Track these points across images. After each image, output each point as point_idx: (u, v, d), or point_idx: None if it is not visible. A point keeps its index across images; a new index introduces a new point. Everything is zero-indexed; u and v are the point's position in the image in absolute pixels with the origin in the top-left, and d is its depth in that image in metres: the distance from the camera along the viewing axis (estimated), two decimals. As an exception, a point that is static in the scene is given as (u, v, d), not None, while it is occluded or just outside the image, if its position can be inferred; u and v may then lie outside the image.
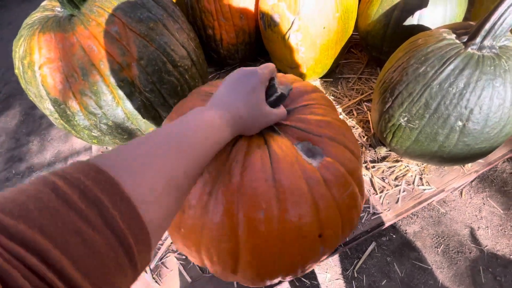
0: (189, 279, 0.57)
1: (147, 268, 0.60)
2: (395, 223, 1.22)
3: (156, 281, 0.58)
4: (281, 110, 0.39)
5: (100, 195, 0.17)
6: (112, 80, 0.59)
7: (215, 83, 0.49)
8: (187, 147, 0.26)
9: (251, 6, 0.81)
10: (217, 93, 0.35)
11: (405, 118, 0.51)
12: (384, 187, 0.62)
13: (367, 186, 0.63)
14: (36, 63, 0.57)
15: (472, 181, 1.26)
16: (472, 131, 0.46)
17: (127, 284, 0.19)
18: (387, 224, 0.58)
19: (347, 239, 0.56)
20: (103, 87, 0.59)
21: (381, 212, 0.59)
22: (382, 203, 0.60)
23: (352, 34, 0.91)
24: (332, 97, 0.82)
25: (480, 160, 0.63)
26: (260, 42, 0.89)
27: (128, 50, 0.58)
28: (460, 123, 0.46)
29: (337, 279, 1.13)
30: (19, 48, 0.58)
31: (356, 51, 0.96)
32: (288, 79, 0.48)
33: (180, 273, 0.58)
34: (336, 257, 1.18)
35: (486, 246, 1.09)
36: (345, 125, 0.44)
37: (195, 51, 0.70)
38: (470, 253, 1.09)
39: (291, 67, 0.82)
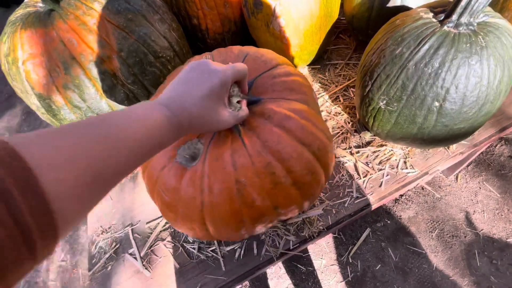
0: (177, 265, 0.59)
1: (138, 256, 0.62)
2: (389, 209, 1.22)
3: (146, 268, 0.60)
4: (240, 114, 0.37)
5: (11, 187, 0.16)
6: (93, 73, 0.59)
7: None
8: (123, 146, 0.24)
9: (235, -6, 0.80)
10: (171, 89, 0.32)
11: (384, 101, 0.51)
12: (368, 172, 0.62)
13: (351, 171, 0.63)
14: (20, 59, 0.58)
15: (468, 166, 1.25)
16: (450, 111, 0.45)
17: (22, 273, 0.18)
18: (370, 208, 0.59)
19: (331, 223, 0.57)
20: (85, 81, 0.59)
21: (364, 196, 0.59)
22: (365, 187, 0.60)
23: (339, 19, 0.89)
24: (319, 84, 0.82)
25: (464, 142, 0.62)
26: (247, 30, 0.88)
27: (107, 43, 0.58)
28: (437, 104, 0.45)
29: (332, 265, 1.15)
30: (3, 46, 0.59)
31: (345, 37, 0.94)
32: (274, 58, 0.49)
33: (169, 260, 0.60)
34: (331, 244, 1.20)
35: (482, 230, 1.09)
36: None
37: (177, 41, 0.70)
38: (465, 237, 1.10)
39: (277, 54, 0.81)
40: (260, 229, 0.43)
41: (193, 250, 0.60)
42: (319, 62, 0.88)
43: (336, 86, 0.79)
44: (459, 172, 1.24)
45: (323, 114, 0.74)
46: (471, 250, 1.08)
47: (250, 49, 0.51)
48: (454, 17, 0.43)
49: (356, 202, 0.59)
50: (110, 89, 0.62)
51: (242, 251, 0.58)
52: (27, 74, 0.58)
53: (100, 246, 0.66)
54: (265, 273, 1.19)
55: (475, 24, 0.43)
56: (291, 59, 0.79)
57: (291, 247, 0.56)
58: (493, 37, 0.42)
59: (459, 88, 0.43)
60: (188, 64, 0.34)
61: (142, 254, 0.62)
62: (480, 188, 1.18)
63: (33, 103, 0.63)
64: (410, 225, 1.18)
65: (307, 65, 0.88)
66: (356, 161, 0.63)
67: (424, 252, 1.10)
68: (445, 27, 0.44)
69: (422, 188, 1.26)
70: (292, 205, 0.40)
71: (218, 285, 0.55)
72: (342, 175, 0.63)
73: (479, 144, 0.62)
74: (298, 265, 1.18)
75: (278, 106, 0.40)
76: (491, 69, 0.41)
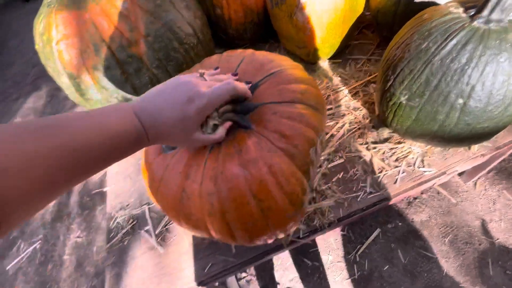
0: (189, 244, 0.61)
1: (152, 234, 0.65)
2: (402, 211, 1.21)
3: (160, 245, 0.63)
4: (211, 137, 0.37)
5: None
6: (121, 56, 0.62)
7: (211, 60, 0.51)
8: (86, 157, 0.24)
9: (259, -15, 0.81)
10: (149, 100, 0.31)
11: (406, 96, 0.50)
12: (384, 168, 0.62)
13: (366, 166, 0.63)
14: (54, 39, 0.61)
15: (488, 172, 1.21)
16: (474, 109, 0.45)
17: None
18: (384, 204, 0.59)
19: (342, 215, 0.57)
20: (113, 62, 0.62)
21: (378, 192, 0.59)
22: (380, 183, 0.60)
23: (364, 14, 0.88)
24: (339, 78, 0.81)
25: (487, 144, 0.61)
26: (269, 22, 0.88)
27: (136, 27, 0.61)
28: (461, 101, 0.44)
29: (339, 261, 1.15)
30: (39, 25, 0.63)
31: (368, 32, 0.93)
32: (277, 61, 0.47)
33: (182, 239, 0.63)
34: (339, 241, 1.20)
35: (498, 239, 1.06)
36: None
37: (201, 29, 0.72)
38: (479, 244, 1.07)
39: (299, 46, 0.82)
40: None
41: (206, 232, 0.62)
42: (341, 56, 0.88)
43: (357, 81, 0.79)
44: (479, 178, 1.20)
45: (342, 108, 0.74)
46: (484, 258, 1.05)
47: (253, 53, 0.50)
48: (485, 12, 0.42)
49: (369, 197, 0.59)
50: (136, 72, 0.64)
51: (253, 236, 0.59)
52: (59, 54, 0.62)
53: (118, 221, 0.70)
54: (272, 264, 1.21)
55: (507, 21, 0.42)
56: (312, 51, 0.79)
57: (301, 235, 0.57)
58: (526, 34, 0.40)
59: (485, 86, 0.42)
60: (175, 79, 0.33)
61: (157, 232, 0.65)
62: (499, 196, 1.14)
63: (64, 82, 0.66)
64: (422, 228, 1.16)
65: (328, 59, 0.87)
66: (372, 157, 0.63)
67: (435, 256, 1.08)
68: (475, 23, 0.43)
69: (438, 193, 1.23)
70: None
71: (227, 266, 0.57)
72: (357, 170, 0.63)
73: (503, 147, 0.60)
74: (305, 259, 1.19)
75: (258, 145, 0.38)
76: (521, 67, 0.40)
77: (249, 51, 0.51)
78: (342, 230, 1.23)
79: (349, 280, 1.10)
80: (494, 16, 0.42)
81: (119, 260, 0.63)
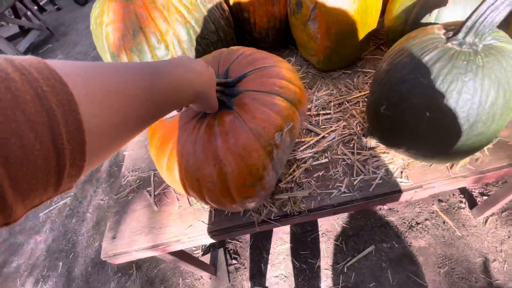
0: (178, 208, 0.71)
1: (152, 194, 0.76)
2: (401, 233, 1.19)
3: (156, 204, 0.74)
4: (216, 103, 0.46)
5: (55, 107, 0.16)
6: (152, 42, 0.75)
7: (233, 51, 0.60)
8: (157, 100, 0.27)
9: (284, -6, 0.89)
10: (198, 72, 0.37)
11: (384, 106, 0.55)
12: (363, 173, 0.65)
13: (347, 169, 0.67)
14: (104, 23, 0.76)
15: (502, 212, 1.13)
16: (439, 122, 0.48)
17: (41, 199, 0.18)
18: (354, 205, 0.63)
19: (313, 207, 0.63)
20: (145, 47, 0.75)
21: (351, 193, 0.63)
22: (355, 186, 0.64)
23: (383, 31, 0.92)
24: (345, 88, 0.86)
25: (469, 166, 0.61)
26: (290, 29, 0.96)
27: (167, 20, 0.73)
28: (428, 114, 0.48)
29: (326, 269, 1.16)
30: (95, 10, 0.78)
31: (385, 49, 0.96)
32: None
33: (174, 203, 0.73)
34: (330, 249, 1.21)
35: (497, 280, 0.99)
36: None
37: (224, 28, 0.82)
38: (476, 282, 1.01)
39: (310, 54, 0.88)
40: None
41: (194, 199, 0.71)
42: (351, 68, 0.92)
43: (360, 92, 0.83)
44: (491, 216, 1.13)
45: (339, 114, 0.78)
46: (479, 298, 0.99)
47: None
48: (460, 35, 0.45)
49: (342, 195, 0.63)
50: (163, 57, 0.77)
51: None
52: (107, 35, 0.77)
53: (128, 180, 0.83)
54: (261, 258, 1.26)
55: (480, 45, 0.45)
56: (322, 59, 0.85)
57: (272, 217, 0.63)
58: (493, 59, 0.43)
59: (449, 102, 0.45)
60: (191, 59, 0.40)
61: (155, 193, 0.76)
62: (509, 237, 1.07)
63: (107, 59, 0.81)
64: (418, 254, 1.12)
65: (339, 69, 0.92)
66: (354, 161, 0.67)
67: (425, 285, 1.05)
68: (449, 44, 0.46)
69: (444, 222, 1.18)
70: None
71: (203, 231, 0.65)
72: (337, 171, 0.67)
73: (486, 173, 0.61)
74: (294, 260, 1.22)
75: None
76: (484, 88, 0.43)
77: (251, 49, 0.60)
78: (336, 240, 1.24)
79: (332, 288, 1.11)
80: (468, 39, 0.45)
81: (122, 210, 0.75)
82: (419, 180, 0.62)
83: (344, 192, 0.64)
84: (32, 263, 1.60)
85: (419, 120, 0.49)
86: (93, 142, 0.19)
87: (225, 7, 0.86)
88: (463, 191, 1.25)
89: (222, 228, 0.65)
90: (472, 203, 1.19)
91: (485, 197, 1.20)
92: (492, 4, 0.41)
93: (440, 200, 1.25)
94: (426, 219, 1.21)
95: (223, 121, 0.47)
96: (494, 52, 0.44)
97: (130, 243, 0.68)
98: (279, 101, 0.49)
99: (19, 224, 1.87)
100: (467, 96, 0.44)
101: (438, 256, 1.10)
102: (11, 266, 1.62)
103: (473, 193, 1.23)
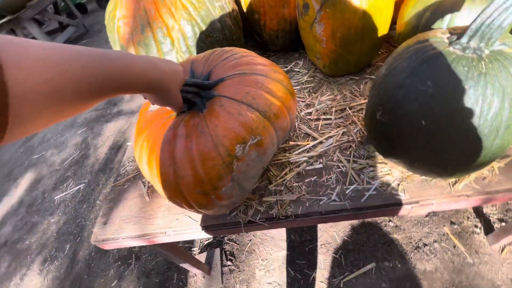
0: (168, 201, 0.71)
1: (146, 185, 0.77)
2: (406, 253, 1.11)
3: (148, 195, 0.75)
4: (181, 101, 0.46)
5: None
6: (159, 37, 0.77)
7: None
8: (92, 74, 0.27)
9: (294, -3, 0.89)
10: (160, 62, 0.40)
11: (379, 112, 0.52)
12: (357, 181, 0.62)
13: (341, 176, 0.64)
14: (116, 17, 0.80)
15: (524, 241, 1.03)
16: (435, 132, 0.44)
17: None
18: (343, 214, 0.59)
19: (300, 212, 0.60)
20: (152, 41, 0.77)
21: (342, 202, 0.60)
22: (347, 195, 0.61)
23: (394, 36, 0.88)
24: (350, 94, 0.83)
25: (475, 185, 0.56)
26: (298, 31, 0.95)
27: (173, 16, 0.75)
28: (423, 122, 0.44)
29: (322, 281, 1.12)
30: (109, 5, 0.82)
31: (398, 57, 0.92)
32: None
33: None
34: (328, 262, 1.17)
35: (511, 316, 0.90)
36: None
37: (230, 28, 0.83)
38: (485, 316, 0.92)
39: (317, 57, 0.86)
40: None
41: (184, 194, 0.71)
42: (360, 74, 0.89)
43: (365, 99, 0.79)
44: (509, 244, 1.03)
45: (340, 120, 0.76)
46: (489, 334, 0.90)
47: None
48: (463, 39, 0.42)
49: (331, 203, 0.60)
50: (168, 52, 0.79)
51: (218, 209, 0.66)
52: (118, 29, 0.80)
53: (127, 169, 0.85)
54: (256, 262, 1.24)
55: (486, 51, 0.41)
56: (327, 64, 0.83)
57: (257, 219, 0.62)
58: (498, 65, 0.39)
59: (445, 110, 0.42)
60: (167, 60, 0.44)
61: (149, 185, 0.77)
62: (528, 270, 0.96)
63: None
64: (423, 278, 1.05)
65: (347, 74, 0.89)
66: (349, 169, 0.64)
67: (427, 311, 0.97)
68: (450, 48, 0.43)
69: (454, 246, 1.09)
70: None
71: (189, 226, 0.65)
72: (330, 177, 0.64)
73: (494, 194, 0.55)
74: (289, 268, 1.19)
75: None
76: (486, 97, 0.39)
77: (244, 52, 0.58)
78: (335, 252, 1.19)
79: (325, 302, 1.06)
80: (472, 43, 0.41)
81: (116, 197, 0.77)
82: (417, 195, 0.58)
83: (334, 200, 0.61)
84: (43, 242, 1.68)
85: (414, 128, 0.46)
86: (19, 107, 0.20)
87: (234, 6, 0.86)
88: (480, 214, 1.15)
89: (206, 226, 0.64)
90: (489, 229, 1.09)
91: (503, 224, 1.09)
92: (501, 5, 0.38)
93: (452, 223, 1.16)
94: (434, 241, 1.12)
95: (188, 123, 0.46)
96: (500, 58, 0.40)
97: (119, 230, 0.69)
98: (248, 112, 0.46)
99: (37, 204, 1.99)
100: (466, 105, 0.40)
101: (445, 282, 1.01)
102: (24, 243, 1.72)
103: (490, 218, 1.13)
